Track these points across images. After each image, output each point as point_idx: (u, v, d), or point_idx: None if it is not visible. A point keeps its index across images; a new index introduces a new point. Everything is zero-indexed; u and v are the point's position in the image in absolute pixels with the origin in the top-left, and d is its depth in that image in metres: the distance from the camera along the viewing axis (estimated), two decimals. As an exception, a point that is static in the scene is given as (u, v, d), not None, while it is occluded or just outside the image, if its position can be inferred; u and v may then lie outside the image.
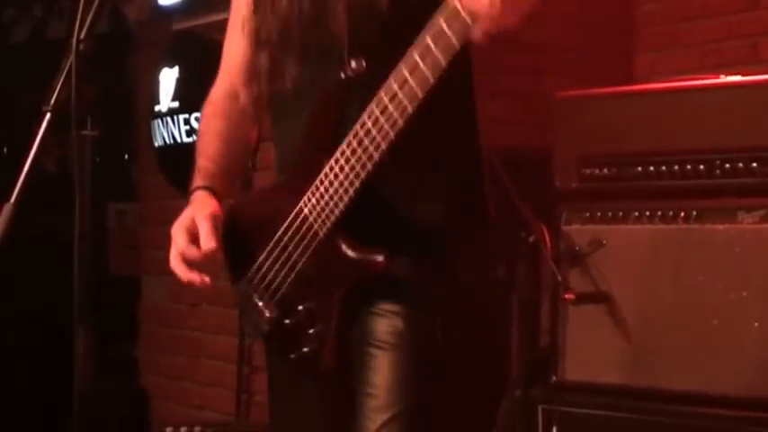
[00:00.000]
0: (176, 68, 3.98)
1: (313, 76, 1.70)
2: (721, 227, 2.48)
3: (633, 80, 3.09)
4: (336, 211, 1.63)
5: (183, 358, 4.09)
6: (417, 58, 1.48)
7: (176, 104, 3.98)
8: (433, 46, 1.46)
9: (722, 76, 2.59)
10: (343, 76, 1.64)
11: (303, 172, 1.69)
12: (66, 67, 1.47)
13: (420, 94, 1.50)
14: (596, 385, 2.58)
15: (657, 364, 2.52)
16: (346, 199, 1.62)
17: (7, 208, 1.54)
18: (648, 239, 2.57)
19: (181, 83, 3.96)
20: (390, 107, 1.54)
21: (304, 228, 1.68)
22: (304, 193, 1.67)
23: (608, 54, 3.40)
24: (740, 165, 2.46)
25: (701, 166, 2.52)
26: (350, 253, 1.63)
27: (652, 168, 2.58)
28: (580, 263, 2.61)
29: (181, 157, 3.99)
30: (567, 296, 2.57)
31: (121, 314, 4.42)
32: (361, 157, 1.59)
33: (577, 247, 2.62)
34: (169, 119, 4.01)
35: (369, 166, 1.59)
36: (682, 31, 3.14)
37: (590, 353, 2.61)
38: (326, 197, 1.64)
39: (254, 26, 1.79)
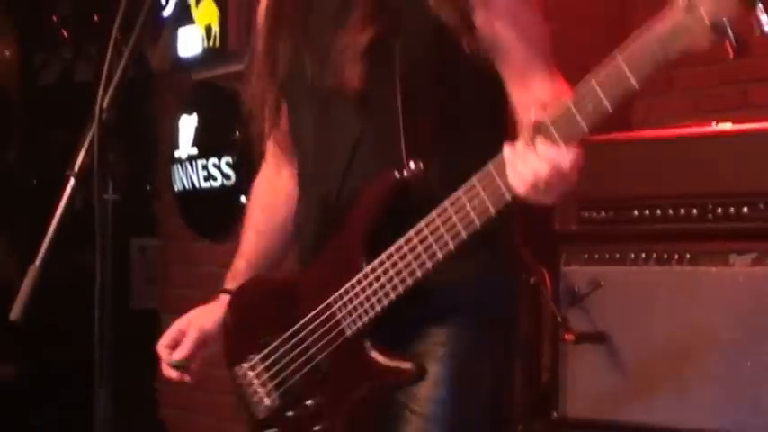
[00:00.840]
0: (195, 116, 4.09)
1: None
2: (714, 269, 2.53)
3: (630, 124, 3.18)
4: (371, 314, 1.56)
5: (200, 392, 4.16)
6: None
7: (195, 151, 4.08)
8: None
9: (714, 124, 2.65)
10: (398, 175, 1.54)
11: (334, 264, 1.61)
12: (90, 137, 1.49)
13: (492, 210, 1.45)
14: (596, 421, 2.64)
15: (654, 400, 2.57)
16: (385, 302, 1.55)
17: (32, 270, 1.53)
18: (644, 280, 2.63)
19: (199, 130, 4.07)
20: (455, 218, 1.47)
21: (330, 324, 1.61)
22: (333, 287, 1.60)
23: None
24: (732, 210, 2.52)
25: (695, 211, 2.57)
26: (380, 359, 1.56)
27: (648, 212, 2.65)
28: (579, 303, 2.67)
29: (199, 201, 4.12)
30: (567, 336, 2.65)
31: (142, 346, 4.50)
32: (411, 263, 1.51)
33: (576, 288, 2.68)
34: (188, 164, 4.10)
35: (418, 273, 1.51)
36: (678, 76, 3.23)
37: (590, 389, 2.67)
38: (362, 297, 1.56)
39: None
